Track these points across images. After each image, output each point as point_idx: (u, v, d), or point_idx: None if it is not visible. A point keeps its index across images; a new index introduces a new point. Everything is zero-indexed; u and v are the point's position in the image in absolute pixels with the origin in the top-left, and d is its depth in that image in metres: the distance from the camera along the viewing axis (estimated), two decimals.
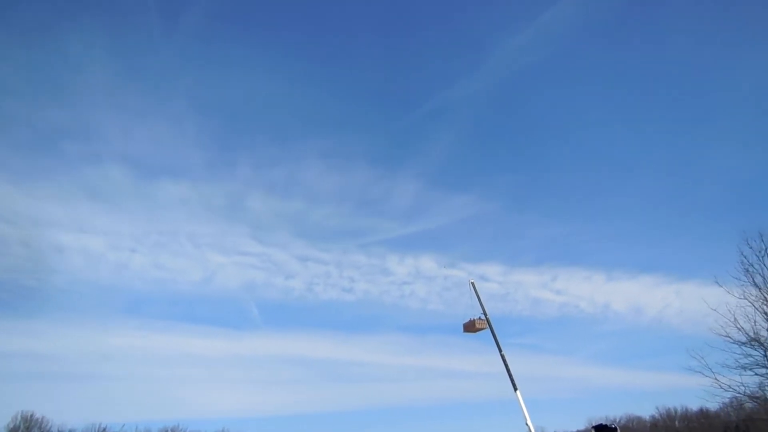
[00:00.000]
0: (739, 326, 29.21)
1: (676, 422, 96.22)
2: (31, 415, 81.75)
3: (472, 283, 51.87)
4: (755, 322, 29.04)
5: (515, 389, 45.66)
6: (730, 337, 29.29)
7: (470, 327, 50.23)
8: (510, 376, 46.43)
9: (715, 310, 30.06)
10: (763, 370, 28.41)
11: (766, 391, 29.18)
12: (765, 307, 29.00)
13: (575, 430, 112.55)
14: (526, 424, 44.02)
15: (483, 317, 49.99)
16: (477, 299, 51.18)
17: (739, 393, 29.08)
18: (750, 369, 28.61)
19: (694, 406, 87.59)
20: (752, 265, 30.01)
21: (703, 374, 29.01)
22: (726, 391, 28.98)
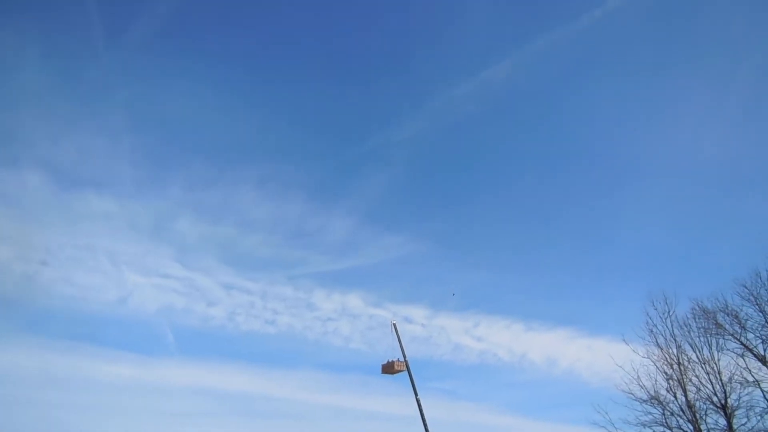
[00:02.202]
0: (641, 384, 30.73)
1: None
2: None
3: (394, 325, 51.92)
4: (656, 381, 30.67)
5: None
6: (632, 394, 30.69)
7: (389, 368, 50.00)
8: (423, 421, 46.34)
9: (621, 367, 31.52)
10: (661, 428, 29.84)
11: None
12: (665, 368, 30.71)
13: None
14: None
15: (402, 359, 49.96)
16: (398, 341, 51.19)
17: None
18: (649, 427, 30.00)
19: None
20: (656, 326, 31.90)
21: (607, 429, 30.10)
22: None
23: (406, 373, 49.44)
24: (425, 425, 45.92)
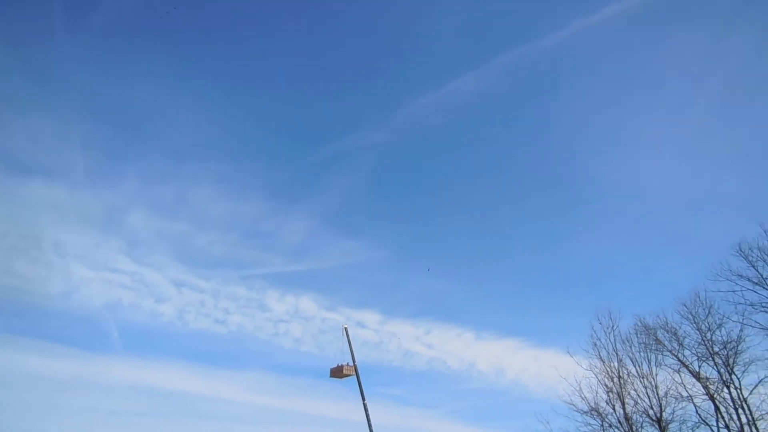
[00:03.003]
0: (582, 396, 31.62)
1: None
2: None
3: (345, 329, 51.83)
4: (597, 393, 31.62)
5: None
6: (574, 406, 31.53)
7: (338, 372, 49.86)
8: (369, 426, 46.37)
9: (564, 378, 32.36)
10: None
11: None
12: (606, 380, 31.70)
13: None
14: None
15: (351, 364, 49.89)
16: (348, 345, 51.11)
17: None
18: None
19: None
20: (599, 340, 32.92)
21: None
22: None
23: (354, 377, 49.42)
24: (371, 430, 45.96)
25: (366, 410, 47.18)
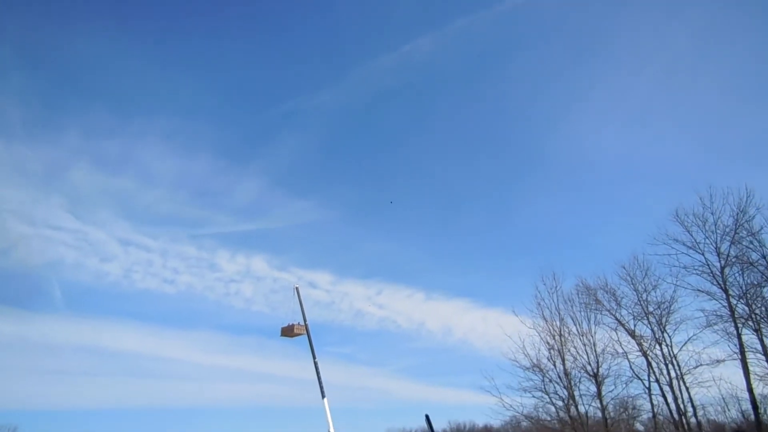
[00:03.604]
0: (526, 353, 32.81)
1: None
2: None
3: (296, 288, 51.76)
4: (539, 350, 32.87)
5: (323, 396, 46.28)
6: (517, 362, 32.72)
7: (289, 331, 49.96)
8: (320, 383, 46.96)
9: (509, 336, 33.43)
10: (540, 393, 32.16)
11: (539, 412, 33.08)
12: (548, 338, 32.98)
13: None
14: (329, 431, 44.79)
15: (302, 323, 50.06)
16: (299, 304, 51.16)
17: (518, 412, 32.55)
18: (530, 392, 32.20)
19: (480, 422, 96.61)
20: (543, 300, 34.05)
21: (491, 393, 31.97)
22: (508, 410, 32.28)
23: (305, 336, 49.68)
24: (321, 388, 46.58)
25: (317, 368, 47.67)
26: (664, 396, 30.05)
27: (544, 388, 32.00)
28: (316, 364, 47.73)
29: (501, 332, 34.36)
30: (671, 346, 30.16)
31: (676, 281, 29.99)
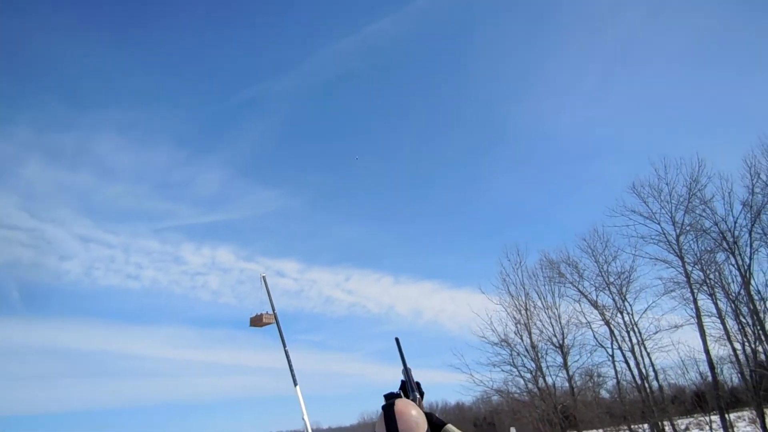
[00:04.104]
0: (493, 328, 33.39)
1: (436, 414, 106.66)
2: None
3: (263, 277, 51.12)
4: (506, 325, 33.50)
5: (295, 384, 46.13)
6: (486, 338, 33.27)
7: (257, 321, 49.38)
8: (291, 371, 46.66)
9: (477, 314, 33.97)
10: (508, 367, 32.91)
11: (509, 386, 33.89)
12: (515, 313, 33.65)
13: (348, 424, 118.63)
14: (303, 419, 44.75)
15: (271, 312, 49.68)
16: (267, 293, 50.71)
17: (488, 387, 33.26)
18: (499, 366, 32.89)
19: (452, 400, 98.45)
20: (509, 275, 34.63)
21: (462, 371, 32.55)
22: (478, 385, 32.97)
23: (274, 325, 49.33)
24: (293, 376, 46.33)
25: (287, 357, 47.26)
26: (626, 362, 31.12)
27: (512, 362, 32.73)
28: (286, 352, 47.35)
29: (469, 311, 34.91)
30: (632, 314, 31.15)
31: (635, 251, 30.86)
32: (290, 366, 49.34)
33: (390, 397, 2.23)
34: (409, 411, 2.12)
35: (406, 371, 2.63)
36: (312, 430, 46.99)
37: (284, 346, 50.16)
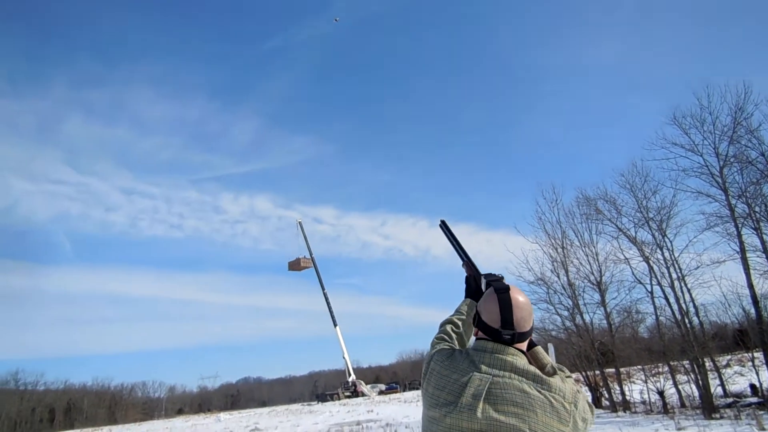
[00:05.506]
0: (530, 267, 33.25)
1: None
2: None
3: (299, 223, 52.26)
4: (542, 264, 33.28)
5: (335, 326, 47.59)
6: (522, 277, 33.19)
7: (295, 265, 50.77)
8: (331, 313, 48.18)
9: (512, 253, 33.95)
10: (545, 305, 32.93)
11: (546, 323, 34.03)
12: (551, 251, 33.34)
13: (387, 363, 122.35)
14: (344, 358, 46.38)
15: (308, 256, 50.77)
16: (303, 238, 51.75)
17: None
18: (536, 304, 32.84)
19: None
20: (544, 214, 34.11)
21: None
22: None
23: (312, 269, 50.53)
24: (333, 318, 47.78)
25: (326, 299, 48.76)
26: (666, 299, 30.61)
27: (549, 300, 32.67)
28: (325, 294, 48.79)
29: (505, 252, 34.91)
30: (672, 250, 30.38)
31: (676, 185, 29.74)
32: (330, 308, 50.99)
33: (495, 279, 2.17)
34: (525, 299, 2.08)
35: (467, 257, 2.63)
36: (353, 369, 48.72)
37: (323, 288, 51.71)
